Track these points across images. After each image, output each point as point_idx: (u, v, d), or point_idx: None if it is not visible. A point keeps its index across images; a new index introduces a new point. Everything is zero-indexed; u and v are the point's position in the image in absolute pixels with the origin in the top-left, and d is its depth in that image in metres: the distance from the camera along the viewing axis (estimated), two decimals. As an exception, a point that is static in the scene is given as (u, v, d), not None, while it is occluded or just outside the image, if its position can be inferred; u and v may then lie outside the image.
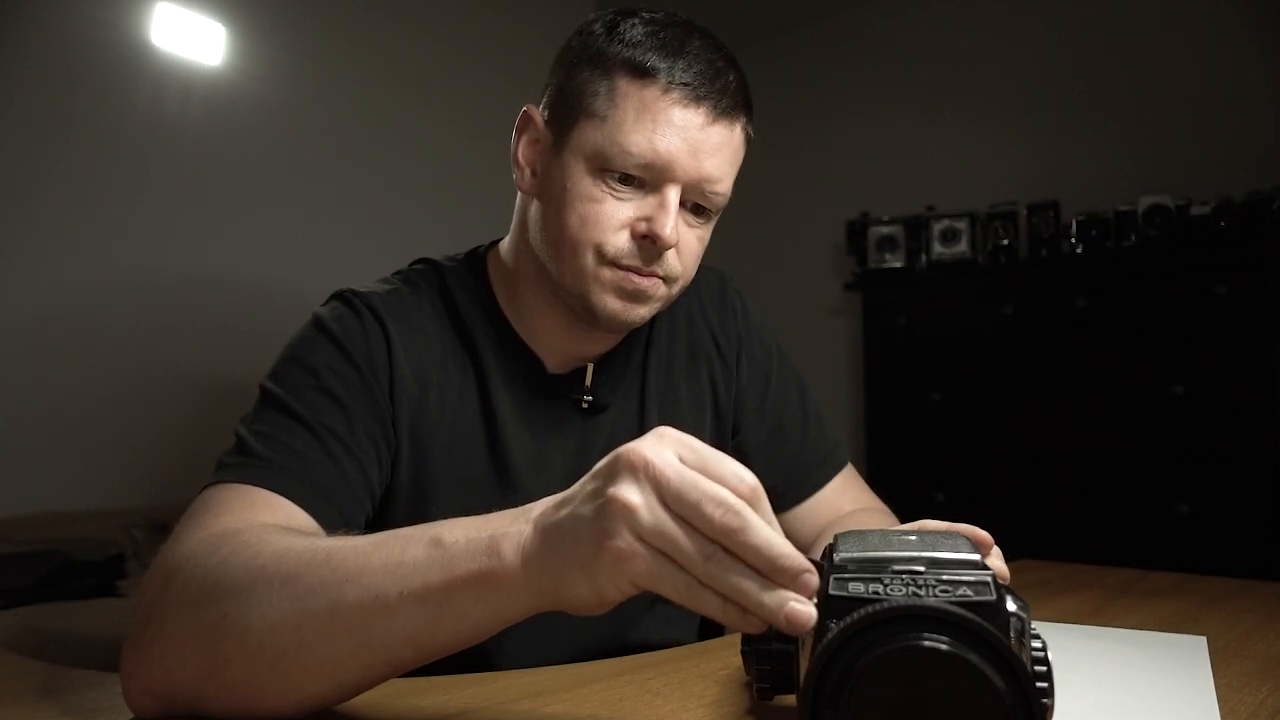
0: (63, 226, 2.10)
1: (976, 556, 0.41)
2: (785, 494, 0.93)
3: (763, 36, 3.74)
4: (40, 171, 2.07)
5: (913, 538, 0.44)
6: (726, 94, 0.74)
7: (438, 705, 0.58)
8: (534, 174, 0.80)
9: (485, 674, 0.66)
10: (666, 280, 0.77)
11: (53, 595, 1.64)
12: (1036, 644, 0.41)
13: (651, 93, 0.72)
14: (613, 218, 0.73)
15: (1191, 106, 2.64)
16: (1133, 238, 2.45)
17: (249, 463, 0.66)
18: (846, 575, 0.40)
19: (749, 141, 0.80)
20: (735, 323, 0.95)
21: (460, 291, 0.83)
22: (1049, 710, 0.39)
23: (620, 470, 0.43)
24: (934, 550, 0.42)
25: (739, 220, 3.77)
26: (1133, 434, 2.38)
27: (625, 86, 0.73)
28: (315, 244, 2.47)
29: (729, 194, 0.78)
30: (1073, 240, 2.58)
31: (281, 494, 0.64)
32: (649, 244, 0.74)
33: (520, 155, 0.81)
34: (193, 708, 0.53)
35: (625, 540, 0.41)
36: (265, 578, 0.51)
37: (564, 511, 0.45)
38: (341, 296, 0.79)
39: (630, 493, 0.42)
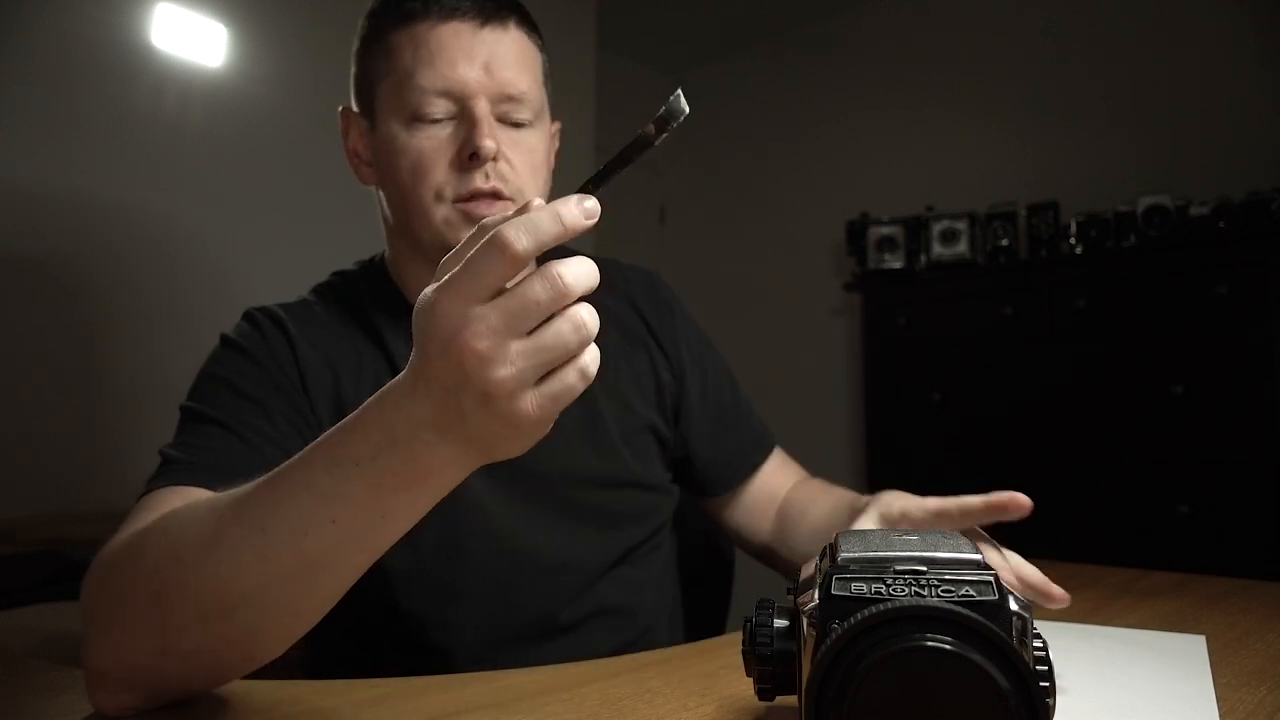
0: (62, 226, 2.10)
1: (979, 556, 0.41)
2: (731, 475, 0.99)
3: (763, 37, 3.75)
4: (39, 174, 2.07)
5: (914, 538, 0.44)
6: (488, 1, 0.78)
7: (438, 705, 0.58)
8: (368, 164, 0.84)
9: (485, 674, 0.66)
10: (513, 199, 0.79)
11: (53, 595, 1.64)
12: (1037, 644, 0.41)
13: (417, 29, 0.77)
14: (436, 155, 0.77)
15: (1191, 106, 2.64)
16: (1132, 238, 2.45)
17: (170, 469, 0.68)
18: (849, 575, 0.40)
19: (540, 46, 0.84)
20: (671, 317, 0.99)
21: (364, 286, 0.88)
22: (1050, 710, 0.39)
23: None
24: (936, 550, 0.42)
25: (739, 221, 3.78)
26: (1133, 434, 2.38)
27: (396, 38, 0.78)
28: (317, 246, 2.46)
29: (538, 97, 0.81)
30: (1072, 241, 2.59)
31: (199, 485, 0.66)
32: (475, 161, 0.76)
33: (352, 152, 0.86)
34: (158, 689, 0.54)
35: None
36: (176, 524, 0.53)
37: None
38: (245, 314, 0.84)
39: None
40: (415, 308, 0.44)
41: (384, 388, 0.46)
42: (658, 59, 4.01)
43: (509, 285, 0.42)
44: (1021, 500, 0.68)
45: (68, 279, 2.11)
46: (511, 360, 0.41)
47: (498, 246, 0.40)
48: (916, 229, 2.91)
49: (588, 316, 0.43)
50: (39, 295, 2.06)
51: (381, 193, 0.84)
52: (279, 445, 0.73)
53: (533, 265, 0.42)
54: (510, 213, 0.44)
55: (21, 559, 1.72)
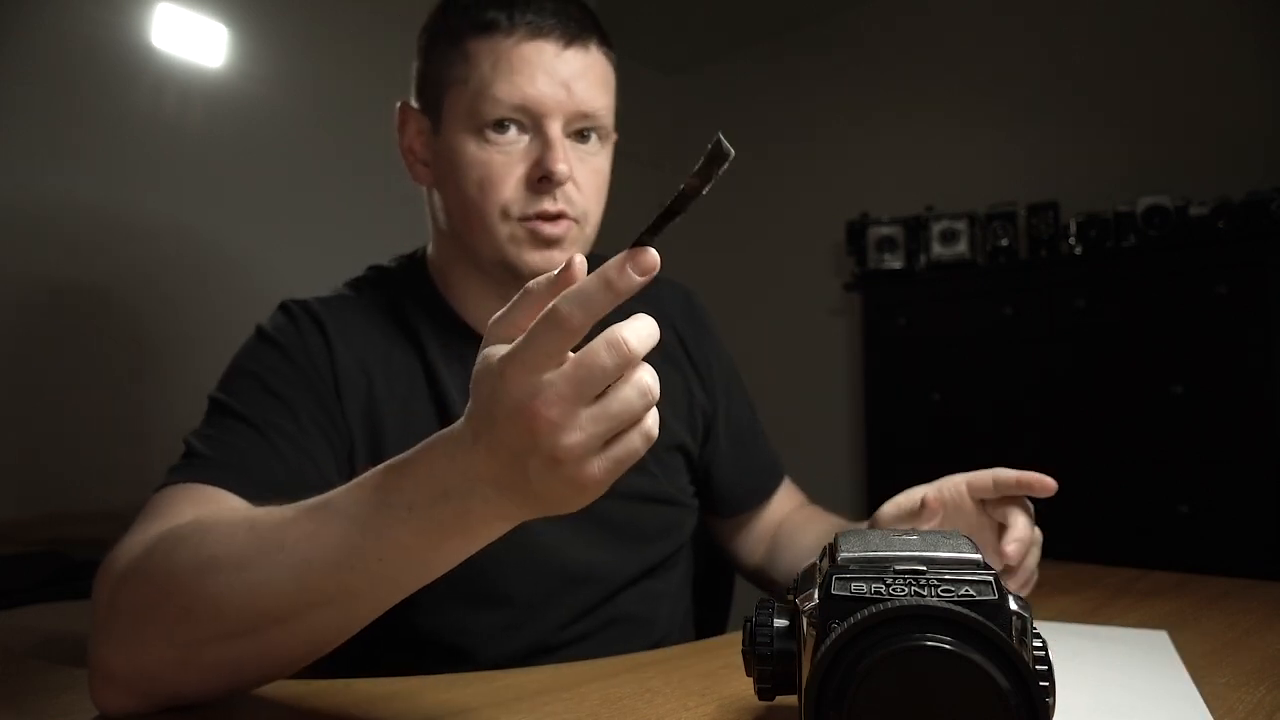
0: (62, 226, 2.10)
1: (978, 556, 0.41)
2: (747, 499, 1.00)
3: (762, 36, 3.75)
4: (40, 174, 2.07)
5: (914, 538, 0.44)
6: (571, 20, 0.78)
7: (438, 705, 0.58)
8: (425, 164, 0.83)
9: (485, 673, 0.66)
10: (577, 220, 0.79)
11: (53, 595, 1.64)
12: (1037, 644, 0.41)
13: (500, 42, 0.76)
14: (506, 172, 0.76)
15: (1191, 106, 2.64)
16: (1132, 238, 2.45)
17: (191, 463, 0.68)
18: (849, 575, 0.40)
19: (615, 65, 0.83)
20: (707, 338, 0.99)
21: (403, 287, 0.86)
22: (1050, 709, 0.39)
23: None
24: (935, 550, 0.42)
25: (739, 221, 3.78)
26: (1133, 434, 2.38)
27: (475, 46, 0.76)
28: (319, 247, 2.46)
29: (611, 117, 0.81)
30: (1072, 241, 2.59)
31: (221, 486, 0.65)
32: (546, 184, 0.76)
33: (408, 149, 0.84)
34: (171, 696, 0.54)
35: None
36: (210, 538, 0.52)
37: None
38: (282, 306, 0.83)
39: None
40: (476, 370, 0.43)
41: (440, 436, 0.46)
42: (658, 59, 4.01)
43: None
44: (1048, 482, 0.73)
45: (64, 278, 2.11)
46: (581, 426, 0.41)
47: (554, 322, 0.40)
48: (916, 229, 2.91)
49: (650, 381, 0.43)
50: (35, 294, 2.06)
51: (437, 195, 0.83)
52: (302, 448, 0.72)
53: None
54: (565, 249, 0.43)
55: (21, 559, 1.72)
